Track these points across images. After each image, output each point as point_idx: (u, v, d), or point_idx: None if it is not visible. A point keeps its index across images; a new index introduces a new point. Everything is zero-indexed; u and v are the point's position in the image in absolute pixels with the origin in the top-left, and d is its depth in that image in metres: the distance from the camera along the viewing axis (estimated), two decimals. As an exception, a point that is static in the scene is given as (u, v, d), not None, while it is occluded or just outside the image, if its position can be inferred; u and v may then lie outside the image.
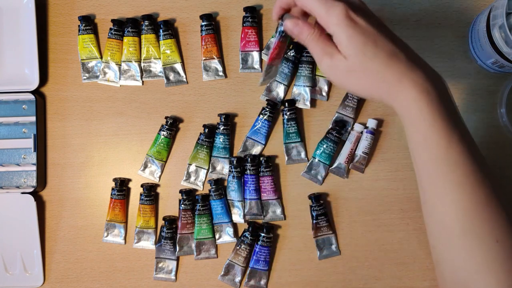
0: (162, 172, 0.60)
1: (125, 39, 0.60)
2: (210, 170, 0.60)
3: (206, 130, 0.59)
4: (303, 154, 0.59)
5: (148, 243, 0.59)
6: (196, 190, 0.60)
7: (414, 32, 0.60)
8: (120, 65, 0.61)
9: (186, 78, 0.61)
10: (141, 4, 0.62)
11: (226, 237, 0.59)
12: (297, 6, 0.45)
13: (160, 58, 0.61)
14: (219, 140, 0.59)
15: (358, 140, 0.58)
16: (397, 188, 0.59)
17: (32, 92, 0.60)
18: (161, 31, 0.60)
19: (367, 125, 0.59)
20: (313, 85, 0.59)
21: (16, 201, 0.59)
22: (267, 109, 0.58)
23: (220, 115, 0.59)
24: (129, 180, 0.61)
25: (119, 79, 0.61)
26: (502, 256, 0.41)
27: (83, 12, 0.62)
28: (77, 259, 0.60)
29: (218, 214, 0.58)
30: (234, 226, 0.59)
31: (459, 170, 0.41)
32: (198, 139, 0.59)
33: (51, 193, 0.61)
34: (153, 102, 0.61)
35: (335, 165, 0.58)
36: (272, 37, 0.58)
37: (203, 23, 0.60)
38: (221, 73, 0.60)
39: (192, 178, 0.60)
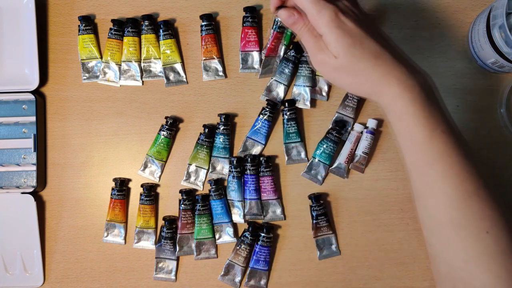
0: (162, 172, 0.60)
1: (125, 39, 0.60)
2: (210, 170, 0.60)
3: (206, 130, 0.59)
4: (303, 154, 0.59)
5: (148, 243, 0.59)
6: (196, 190, 0.60)
7: (414, 32, 0.60)
8: (120, 65, 0.61)
9: (186, 78, 0.61)
10: (141, 4, 0.62)
11: (226, 237, 0.59)
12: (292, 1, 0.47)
13: (160, 58, 0.61)
14: (219, 140, 0.59)
15: (358, 140, 0.58)
16: (397, 188, 0.59)
17: (32, 92, 0.60)
18: (161, 31, 0.60)
19: (367, 125, 0.59)
20: (313, 85, 0.59)
21: (16, 201, 0.59)
22: (267, 109, 0.58)
23: (220, 115, 0.59)
24: (129, 180, 0.61)
25: (119, 79, 0.61)
26: (492, 246, 0.42)
27: (83, 12, 0.62)
28: (77, 259, 0.60)
29: (218, 214, 0.58)
30: (234, 226, 0.59)
31: (444, 160, 0.43)
32: (198, 139, 0.59)
33: (51, 193, 0.61)
34: (153, 102, 0.61)
35: (335, 165, 0.58)
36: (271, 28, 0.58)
37: (203, 23, 0.60)
38: (221, 73, 0.60)
39: (192, 178, 0.60)
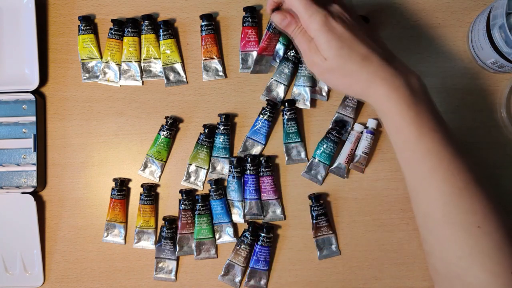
0: (162, 172, 0.60)
1: (125, 39, 0.60)
2: (210, 170, 0.60)
3: (206, 130, 0.59)
4: (303, 154, 0.59)
5: (148, 243, 0.59)
6: (196, 190, 0.60)
7: (414, 32, 0.60)
8: (120, 65, 0.61)
9: (186, 78, 0.61)
10: (141, 4, 0.62)
11: (226, 237, 0.59)
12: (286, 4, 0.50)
13: (160, 58, 0.61)
14: (219, 140, 0.59)
15: (358, 140, 0.58)
16: (397, 188, 0.59)
17: (32, 92, 0.60)
18: (161, 31, 0.60)
19: (367, 125, 0.59)
20: (313, 85, 0.59)
21: (16, 201, 0.59)
22: (267, 109, 0.58)
23: (220, 115, 0.59)
24: (129, 180, 0.61)
25: (119, 79, 0.61)
26: (485, 241, 0.42)
27: (83, 12, 0.62)
28: (77, 259, 0.60)
29: (218, 214, 0.58)
30: (234, 226, 0.59)
31: (432, 157, 0.44)
32: (198, 139, 0.59)
33: (51, 193, 0.61)
34: (153, 102, 0.61)
35: (335, 165, 0.58)
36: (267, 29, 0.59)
37: (203, 23, 0.60)
38: (221, 73, 0.60)
39: (192, 178, 0.60)
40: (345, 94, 0.59)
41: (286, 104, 0.58)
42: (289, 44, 0.59)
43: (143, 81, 0.61)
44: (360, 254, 0.59)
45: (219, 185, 0.59)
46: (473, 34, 0.58)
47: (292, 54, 0.59)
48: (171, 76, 0.61)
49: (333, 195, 0.59)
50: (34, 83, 0.59)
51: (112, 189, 0.59)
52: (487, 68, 0.58)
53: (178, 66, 0.60)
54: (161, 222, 0.60)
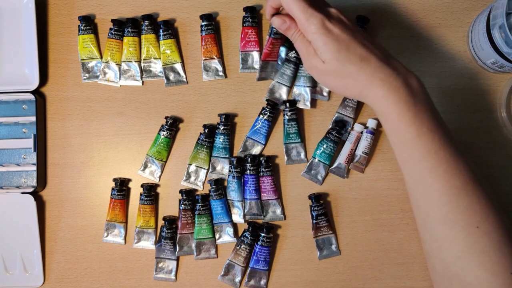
0: (162, 172, 0.60)
1: (125, 39, 0.60)
2: (210, 170, 0.60)
3: (206, 130, 0.59)
4: (302, 155, 0.59)
5: (148, 243, 0.59)
6: (196, 190, 0.60)
7: (414, 32, 0.60)
8: (120, 65, 0.61)
9: (186, 78, 0.61)
10: (141, 4, 0.62)
11: (226, 237, 0.59)
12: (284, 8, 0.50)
13: (160, 58, 0.61)
14: (219, 140, 0.59)
15: (358, 140, 0.58)
16: (397, 188, 0.59)
17: (32, 92, 0.60)
18: (161, 31, 0.60)
19: (367, 125, 0.59)
20: (313, 85, 0.59)
21: (16, 201, 0.59)
22: (267, 109, 0.58)
23: (220, 115, 0.59)
24: (129, 180, 0.61)
25: (119, 79, 0.61)
26: (483, 241, 0.43)
27: (83, 12, 0.62)
28: (77, 259, 0.60)
29: (218, 214, 0.58)
30: (234, 226, 0.59)
31: (431, 157, 0.44)
32: (198, 139, 0.59)
33: (51, 193, 0.61)
34: (153, 102, 0.61)
35: (335, 165, 0.58)
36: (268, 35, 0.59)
37: (203, 23, 0.60)
38: (221, 73, 0.60)
39: (192, 178, 0.60)
40: (345, 96, 0.59)
41: (287, 104, 0.58)
42: (291, 46, 0.59)
43: (143, 81, 0.61)
44: (360, 254, 0.59)
45: (219, 185, 0.59)
46: (473, 34, 0.58)
47: (293, 55, 0.59)
48: (171, 76, 0.61)
49: (333, 195, 0.59)
50: (34, 83, 0.59)
51: (112, 189, 0.59)
52: (487, 68, 0.58)
53: (178, 66, 0.61)
54: (161, 222, 0.60)
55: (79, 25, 0.61)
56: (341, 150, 0.58)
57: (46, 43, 0.62)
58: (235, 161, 0.58)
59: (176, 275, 0.59)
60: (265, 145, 0.60)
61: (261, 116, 0.59)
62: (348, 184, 0.59)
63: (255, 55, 0.60)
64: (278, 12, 0.52)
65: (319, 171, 0.59)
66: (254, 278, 0.58)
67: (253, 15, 0.59)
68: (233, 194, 0.59)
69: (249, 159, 0.58)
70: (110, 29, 0.60)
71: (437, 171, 0.44)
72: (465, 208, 0.43)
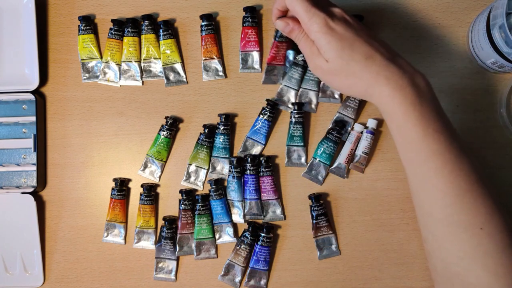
0: (162, 172, 0.60)
1: (125, 39, 0.60)
2: (210, 170, 0.60)
3: (206, 130, 0.59)
4: (303, 159, 0.59)
5: (148, 243, 0.59)
6: (196, 190, 0.60)
7: (414, 32, 0.60)
8: (120, 65, 0.61)
9: (186, 78, 0.61)
10: (141, 4, 0.62)
11: (226, 237, 0.59)
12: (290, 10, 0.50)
13: (160, 58, 0.61)
14: (219, 140, 0.59)
15: (358, 140, 0.58)
16: (397, 188, 0.59)
17: (32, 92, 0.60)
18: (161, 31, 0.60)
19: (367, 125, 0.59)
20: (320, 89, 0.59)
21: (16, 201, 0.59)
22: (267, 109, 0.58)
23: (220, 115, 0.59)
24: (129, 180, 0.61)
25: (119, 79, 0.61)
26: (487, 243, 0.42)
27: (83, 12, 0.62)
28: (77, 259, 0.60)
29: (218, 214, 0.58)
30: (234, 226, 0.59)
31: (437, 158, 0.44)
32: (198, 139, 0.59)
33: (51, 193, 0.61)
34: (153, 102, 0.61)
35: (335, 165, 0.58)
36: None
37: (203, 23, 0.60)
38: (221, 73, 0.60)
39: (192, 178, 0.60)
40: (349, 95, 0.58)
41: (296, 107, 0.58)
42: (299, 50, 0.59)
43: (143, 81, 0.61)
44: (360, 254, 0.59)
45: (219, 185, 0.59)
46: (473, 34, 0.58)
47: (301, 59, 0.59)
48: (171, 76, 0.61)
49: (333, 195, 0.59)
50: (34, 83, 0.59)
51: (112, 189, 0.59)
52: (487, 68, 0.58)
53: (178, 66, 0.60)
54: (161, 222, 0.60)
55: (79, 25, 0.61)
56: (341, 150, 0.58)
57: (46, 43, 0.62)
58: (235, 161, 0.58)
59: (176, 275, 0.59)
60: (265, 145, 0.60)
61: (261, 116, 0.59)
62: (348, 184, 0.59)
63: (255, 55, 0.60)
64: (284, 15, 0.51)
65: (319, 172, 0.59)
66: (254, 278, 0.58)
67: (253, 15, 0.59)
68: (233, 194, 0.59)
69: (249, 159, 0.58)
70: (110, 29, 0.60)
71: (442, 172, 0.44)
72: (470, 210, 0.43)
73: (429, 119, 0.44)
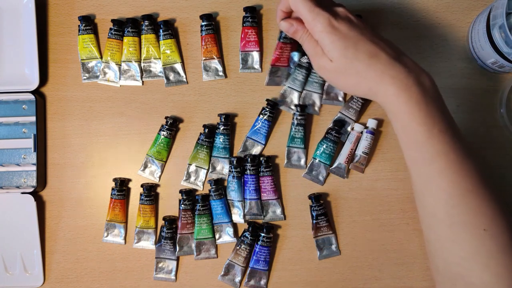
0: (162, 172, 0.60)
1: (125, 39, 0.60)
2: (210, 170, 0.60)
3: (206, 130, 0.59)
4: (302, 161, 0.59)
5: (148, 243, 0.59)
6: (196, 190, 0.60)
7: (414, 32, 0.60)
8: (120, 65, 0.61)
9: (186, 78, 0.61)
10: (141, 4, 0.62)
11: (226, 237, 0.59)
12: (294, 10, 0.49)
13: (160, 58, 0.61)
14: (219, 140, 0.59)
15: (358, 140, 0.58)
16: (397, 188, 0.59)
17: (32, 92, 0.60)
18: (161, 31, 0.60)
19: (367, 125, 0.59)
20: (323, 92, 0.59)
21: (16, 201, 0.59)
22: (267, 109, 0.58)
23: (220, 115, 0.59)
24: (129, 180, 0.61)
25: (119, 79, 0.61)
26: (490, 244, 0.42)
27: (83, 12, 0.62)
28: (77, 259, 0.60)
29: (218, 214, 0.58)
30: (234, 226, 0.59)
31: (441, 159, 0.44)
32: (198, 139, 0.59)
33: (51, 193, 0.61)
34: (153, 102, 0.61)
35: (335, 165, 0.58)
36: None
37: (203, 23, 0.60)
38: (221, 73, 0.60)
39: (192, 178, 0.60)
40: (354, 95, 0.58)
41: (298, 108, 0.58)
42: (304, 51, 0.59)
43: (143, 81, 0.61)
44: (360, 254, 0.59)
45: (219, 185, 0.59)
46: (473, 34, 0.58)
47: (305, 61, 0.59)
48: (171, 76, 0.61)
49: (333, 195, 0.59)
50: (34, 83, 0.59)
51: (112, 189, 0.59)
52: (487, 68, 0.58)
53: (178, 66, 0.60)
54: (161, 222, 0.60)
55: (79, 25, 0.61)
56: (341, 150, 0.58)
57: (46, 43, 0.62)
58: (235, 161, 0.58)
59: (176, 275, 0.59)
60: (265, 145, 0.60)
61: (261, 116, 0.59)
62: (348, 184, 0.59)
63: (255, 55, 0.60)
64: (288, 16, 0.51)
65: (320, 172, 0.59)
66: (254, 278, 0.58)
67: (253, 15, 0.59)
68: (233, 194, 0.59)
69: (249, 159, 0.58)
70: (110, 29, 0.60)
71: (446, 173, 0.43)
72: (474, 211, 0.43)
73: (434, 119, 0.44)
